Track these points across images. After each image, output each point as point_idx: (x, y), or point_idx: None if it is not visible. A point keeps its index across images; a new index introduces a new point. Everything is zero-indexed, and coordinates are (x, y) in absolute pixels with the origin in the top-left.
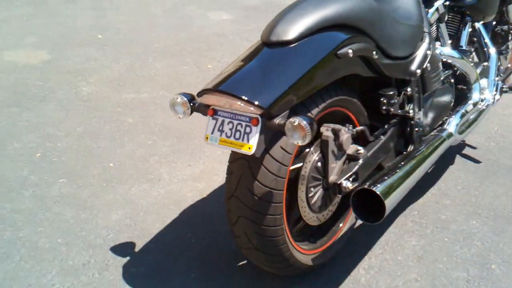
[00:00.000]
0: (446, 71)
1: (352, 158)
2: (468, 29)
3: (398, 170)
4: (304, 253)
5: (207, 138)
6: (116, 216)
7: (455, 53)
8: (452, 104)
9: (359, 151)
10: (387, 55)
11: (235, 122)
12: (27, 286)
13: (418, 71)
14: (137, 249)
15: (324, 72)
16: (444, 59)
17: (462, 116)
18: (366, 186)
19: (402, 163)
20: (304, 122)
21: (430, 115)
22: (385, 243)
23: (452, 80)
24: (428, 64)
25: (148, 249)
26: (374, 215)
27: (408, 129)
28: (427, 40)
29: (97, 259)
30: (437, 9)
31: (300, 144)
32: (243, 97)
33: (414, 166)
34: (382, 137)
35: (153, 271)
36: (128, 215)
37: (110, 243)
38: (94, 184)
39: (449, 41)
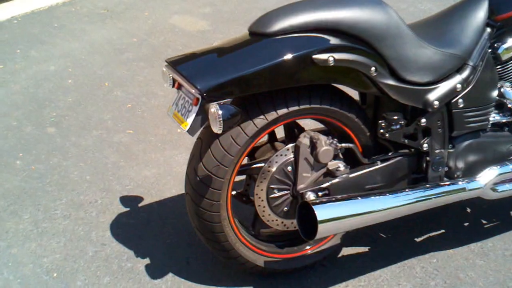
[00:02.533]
0: (509, 119)
1: (330, 174)
2: None
3: (364, 200)
4: (256, 252)
5: (168, 109)
6: (146, 173)
7: None
8: (508, 155)
9: (339, 169)
10: (398, 77)
11: (186, 98)
12: (36, 205)
13: (436, 103)
14: (140, 204)
15: (290, 73)
16: (510, 105)
17: (508, 172)
18: (308, 200)
19: (377, 194)
20: (220, 112)
21: (467, 158)
22: (375, 277)
23: None
24: (461, 100)
25: (149, 208)
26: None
27: (424, 165)
28: (465, 73)
29: (103, 202)
30: None
31: (216, 132)
32: (188, 77)
33: (389, 202)
34: (378, 162)
35: (139, 227)
36: (157, 175)
37: (124, 192)
38: (151, 142)
39: None
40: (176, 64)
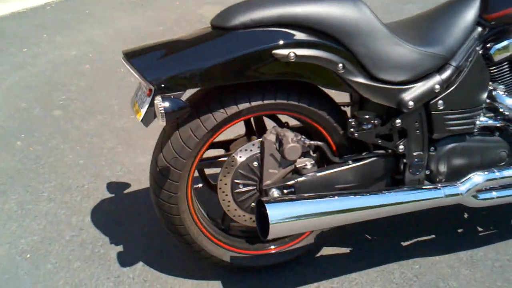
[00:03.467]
0: (503, 123)
1: (298, 171)
2: None
3: (326, 200)
4: (221, 247)
5: (131, 99)
6: (141, 160)
7: None
8: (502, 163)
9: (306, 167)
10: (370, 75)
11: (143, 89)
12: (26, 186)
13: (411, 103)
14: (126, 191)
15: (248, 68)
16: (501, 109)
17: (493, 179)
18: (263, 198)
19: (342, 195)
20: (162, 104)
21: (450, 162)
22: (349, 280)
23: None
24: (441, 101)
25: (133, 195)
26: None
27: (402, 167)
28: (445, 74)
29: (90, 187)
30: (505, 47)
31: (160, 124)
32: (139, 68)
33: (353, 204)
34: (350, 162)
35: (120, 214)
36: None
37: (113, 178)
38: (153, 128)
39: None
40: (130, 55)
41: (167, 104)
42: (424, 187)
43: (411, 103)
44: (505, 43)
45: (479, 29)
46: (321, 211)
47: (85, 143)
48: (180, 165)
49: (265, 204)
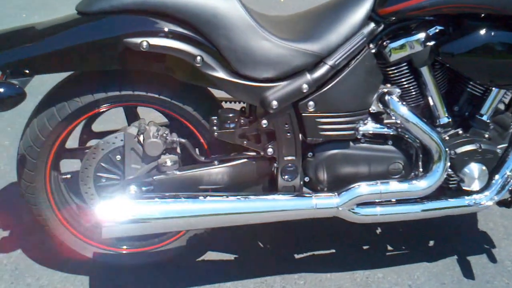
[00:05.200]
0: (397, 131)
1: (158, 168)
2: (497, 97)
3: (167, 202)
4: (84, 241)
5: None
6: None
7: (409, 115)
8: (398, 175)
9: (166, 164)
10: (233, 70)
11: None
12: None
13: (275, 103)
14: None
15: (98, 56)
16: (393, 116)
17: (375, 193)
18: (108, 195)
19: (192, 198)
20: None
21: (332, 171)
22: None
23: (416, 145)
24: (311, 103)
25: None
26: None
27: (275, 172)
28: (317, 73)
29: (5, 168)
30: (402, 46)
31: None
32: None
33: (202, 208)
34: (216, 162)
35: (17, 198)
36: None
37: None
38: None
39: (436, 100)
40: None
41: (1, 90)
42: (295, 195)
43: (275, 102)
44: (402, 41)
45: (372, 25)
46: (158, 214)
47: (17, 124)
48: (35, 154)
49: (102, 200)
